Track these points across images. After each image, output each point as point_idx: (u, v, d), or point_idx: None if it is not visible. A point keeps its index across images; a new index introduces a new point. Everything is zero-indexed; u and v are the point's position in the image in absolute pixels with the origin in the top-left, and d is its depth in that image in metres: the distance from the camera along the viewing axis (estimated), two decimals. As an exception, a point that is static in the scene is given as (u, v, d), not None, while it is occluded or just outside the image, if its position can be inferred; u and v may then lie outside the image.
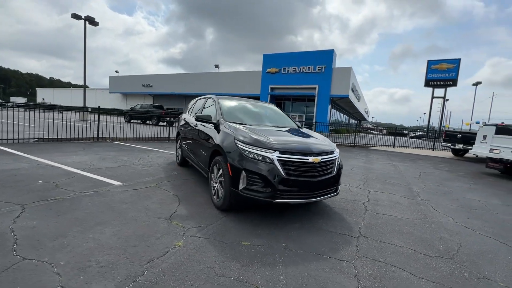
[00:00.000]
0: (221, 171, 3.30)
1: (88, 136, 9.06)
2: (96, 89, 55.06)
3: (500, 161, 7.75)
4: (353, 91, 30.21)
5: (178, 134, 6.12)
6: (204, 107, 4.87)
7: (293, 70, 28.96)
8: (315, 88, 27.77)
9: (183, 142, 5.45)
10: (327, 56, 27.19)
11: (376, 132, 42.71)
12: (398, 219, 3.58)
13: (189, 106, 6.03)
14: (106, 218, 2.87)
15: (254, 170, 2.88)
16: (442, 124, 44.21)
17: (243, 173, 2.91)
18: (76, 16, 18.71)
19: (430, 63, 42.09)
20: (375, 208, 4.00)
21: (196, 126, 4.58)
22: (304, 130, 4.27)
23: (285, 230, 2.96)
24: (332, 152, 3.35)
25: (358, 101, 38.74)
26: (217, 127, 3.81)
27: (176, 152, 6.16)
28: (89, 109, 19.31)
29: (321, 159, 3.09)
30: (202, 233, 2.70)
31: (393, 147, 15.79)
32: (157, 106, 23.16)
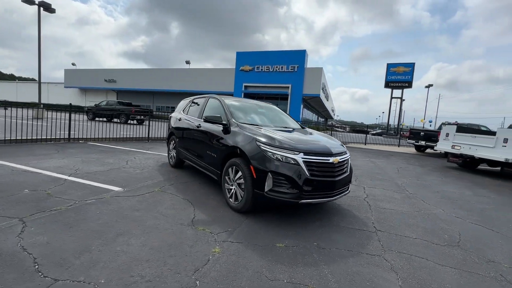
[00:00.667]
0: (240, 173, 3.26)
1: (57, 137, 8.17)
2: (48, 83, 49.61)
3: (461, 156, 8.78)
4: (323, 90, 31.60)
5: (170, 134, 5.85)
6: (205, 108, 4.72)
7: (266, 69, 29.28)
8: (288, 87, 28.46)
9: (180, 144, 5.22)
10: (300, 56, 28.00)
11: (341, 130, 45.21)
12: (400, 213, 3.89)
13: (183, 105, 5.80)
14: (125, 227, 2.67)
15: (280, 172, 2.90)
16: (399, 123, 48.46)
17: (269, 175, 2.92)
18: (28, 1, 16.62)
19: (389, 66, 45.76)
20: (376, 203, 4.29)
21: (200, 126, 4.43)
22: (310, 130, 4.39)
23: (309, 229, 3.04)
24: (345, 152, 3.51)
25: (327, 100, 40.63)
26: (227, 128, 3.74)
27: (169, 154, 5.88)
28: (42, 106, 17.37)
29: (340, 159, 3.23)
30: (233, 237, 2.66)
31: (365, 144, 16.95)
32: (125, 103, 21.68)
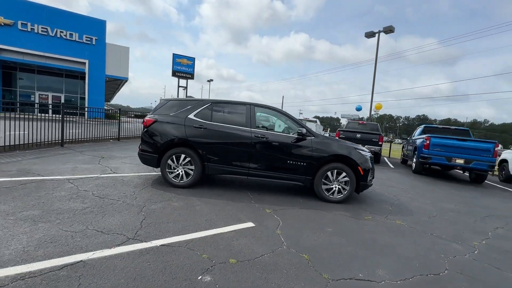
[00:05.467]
0: (343, 173, 4.35)
1: None
2: None
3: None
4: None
5: (169, 147, 4.36)
6: (254, 117, 4.47)
7: (43, 30, 20.39)
8: (85, 63, 22.16)
9: (215, 157, 4.31)
10: (98, 26, 22.55)
11: (130, 117, 42.51)
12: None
13: (186, 108, 4.51)
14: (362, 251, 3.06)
15: (372, 167, 4.54)
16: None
17: (370, 170, 4.46)
18: None
19: (174, 56, 48.88)
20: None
21: (267, 138, 4.32)
22: None
23: (381, 199, 5.00)
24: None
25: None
26: (304, 138, 4.39)
27: (172, 172, 4.34)
28: None
29: (365, 154, 5.40)
30: (386, 215, 4.03)
31: None
32: None
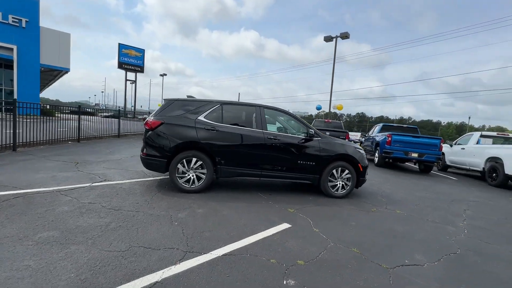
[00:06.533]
0: (346, 171, 4.74)
1: None
2: None
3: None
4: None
5: (179, 150, 4.11)
6: (264, 119, 4.53)
7: (-51, 5, 16.27)
8: (12, 49, 18.50)
9: (228, 160, 4.25)
10: (29, 6, 19.02)
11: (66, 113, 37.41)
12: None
13: (194, 110, 4.31)
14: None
15: (367, 164, 5.05)
16: (132, 104, 50.22)
17: (367, 167, 4.95)
18: None
19: (121, 46, 44.44)
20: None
21: (279, 139, 4.42)
22: None
23: (373, 191, 5.55)
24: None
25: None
26: (312, 139, 4.66)
27: (182, 177, 4.11)
28: None
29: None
30: (380, 206, 4.55)
31: (119, 137, 12.06)
32: None
